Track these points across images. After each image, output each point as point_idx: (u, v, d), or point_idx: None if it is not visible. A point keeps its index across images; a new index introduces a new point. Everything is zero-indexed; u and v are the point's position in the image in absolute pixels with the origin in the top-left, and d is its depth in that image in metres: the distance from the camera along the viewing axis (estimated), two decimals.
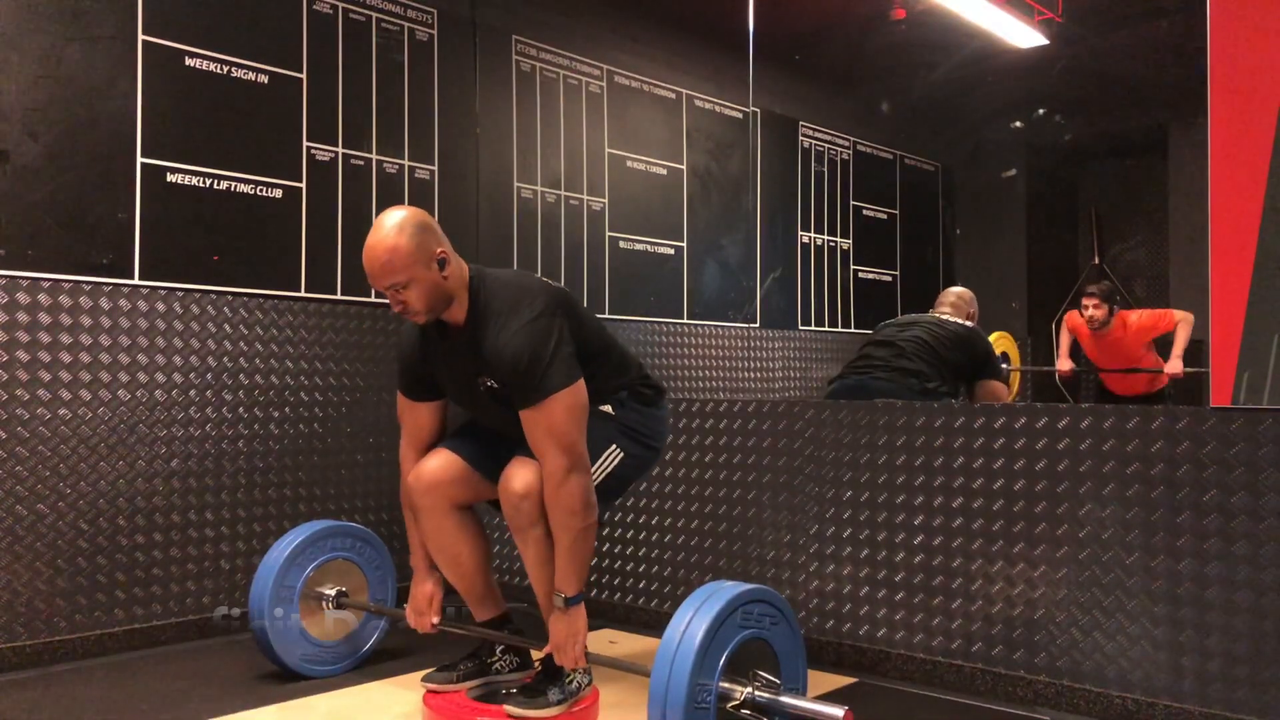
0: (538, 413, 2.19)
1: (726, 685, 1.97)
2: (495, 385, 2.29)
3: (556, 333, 2.23)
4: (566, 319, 2.27)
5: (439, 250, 2.23)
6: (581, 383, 2.24)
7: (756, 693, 1.99)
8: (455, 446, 2.45)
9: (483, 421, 2.49)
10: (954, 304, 3.73)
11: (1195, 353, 4.78)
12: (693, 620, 1.95)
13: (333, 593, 2.81)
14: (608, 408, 2.39)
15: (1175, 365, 4.81)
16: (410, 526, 2.51)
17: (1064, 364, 5.31)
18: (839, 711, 1.92)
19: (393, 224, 2.20)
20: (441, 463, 2.42)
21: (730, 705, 1.98)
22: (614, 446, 2.38)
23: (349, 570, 2.88)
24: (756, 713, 2.00)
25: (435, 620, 2.51)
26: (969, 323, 3.63)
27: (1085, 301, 5.00)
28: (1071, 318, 5.25)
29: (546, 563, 2.30)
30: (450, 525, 2.44)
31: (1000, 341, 5.26)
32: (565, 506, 2.19)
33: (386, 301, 3.67)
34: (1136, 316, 5.05)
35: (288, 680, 2.76)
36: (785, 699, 2.00)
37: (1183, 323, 4.87)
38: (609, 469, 2.36)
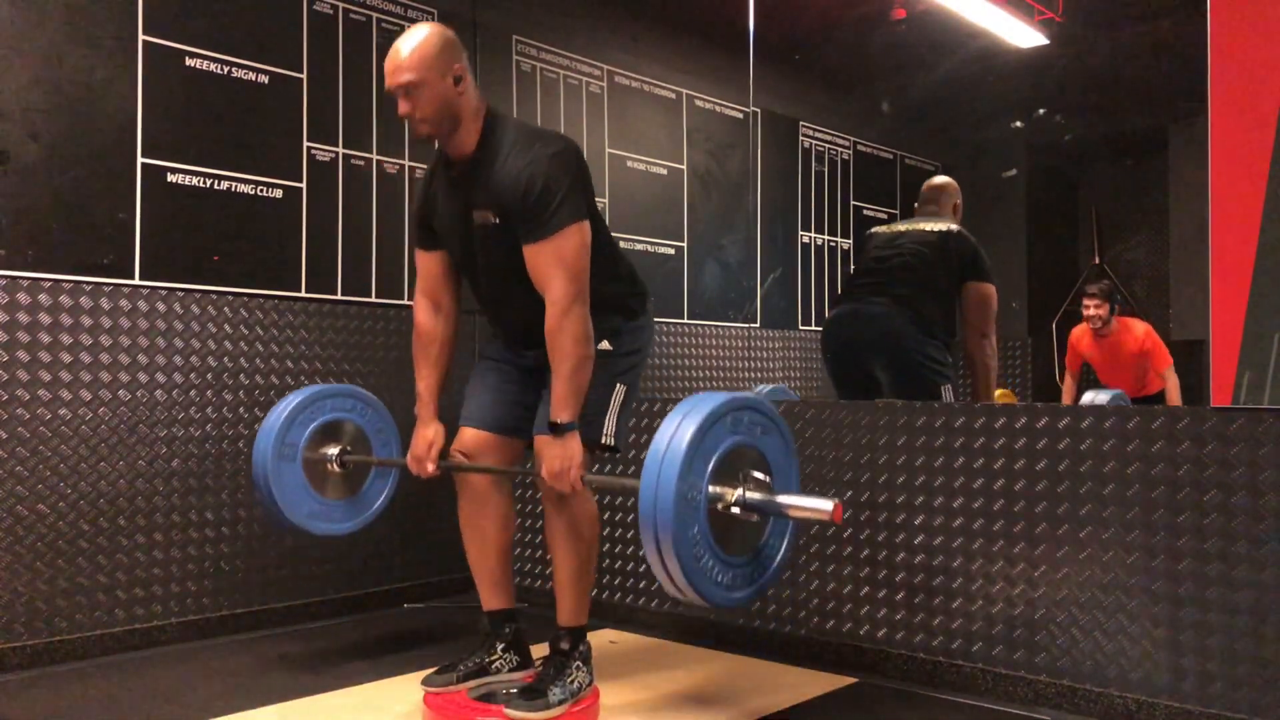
0: (548, 244, 2.24)
1: (717, 484, 1.98)
2: (494, 221, 2.31)
3: (573, 172, 2.28)
4: (583, 172, 2.33)
5: (458, 66, 2.30)
6: (589, 224, 2.30)
7: (747, 493, 2.00)
8: (480, 420, 2.50)
9: (470, 274, 2.50)
10: (937, 200, 3.69)
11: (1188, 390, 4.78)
12: (681, 423, 1.96)
13: (335, 451, 2.83)
14: (605, 344, 2.41)
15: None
16: (419, 372, 2.54)
17: (1069, 400, 5.28)
18: (828, 504, 1.95)
19: (421, 30, 2.31)
20: (474, 437, 2.49)
21: (721, 504, 1.99)
22: (618, 385, 2.41)
23: (351, 430, 2.89)
24: (748, 510, 2.01)
25: (432, 466, 2.51)
26: (953, 225, 3.55)
27: (1086, 302, 4.99)
28: (1074, 335, 5.21)
29: (575, 535, 2.39)
30: (490, 506, 2.51)
31: (1001, 398, 5.22)
32: (570, 334, 2.23)
33: (386, 301, 3.70)
34: (1143, 330, 5.02)
35: (288, 680, 2.76)
36: (777, 497, 2.02)
37: (1172, 384, 4.84)
38: (617, 408, 2.40)
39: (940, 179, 3.81)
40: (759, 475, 2.05)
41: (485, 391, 2.54)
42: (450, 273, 2.53)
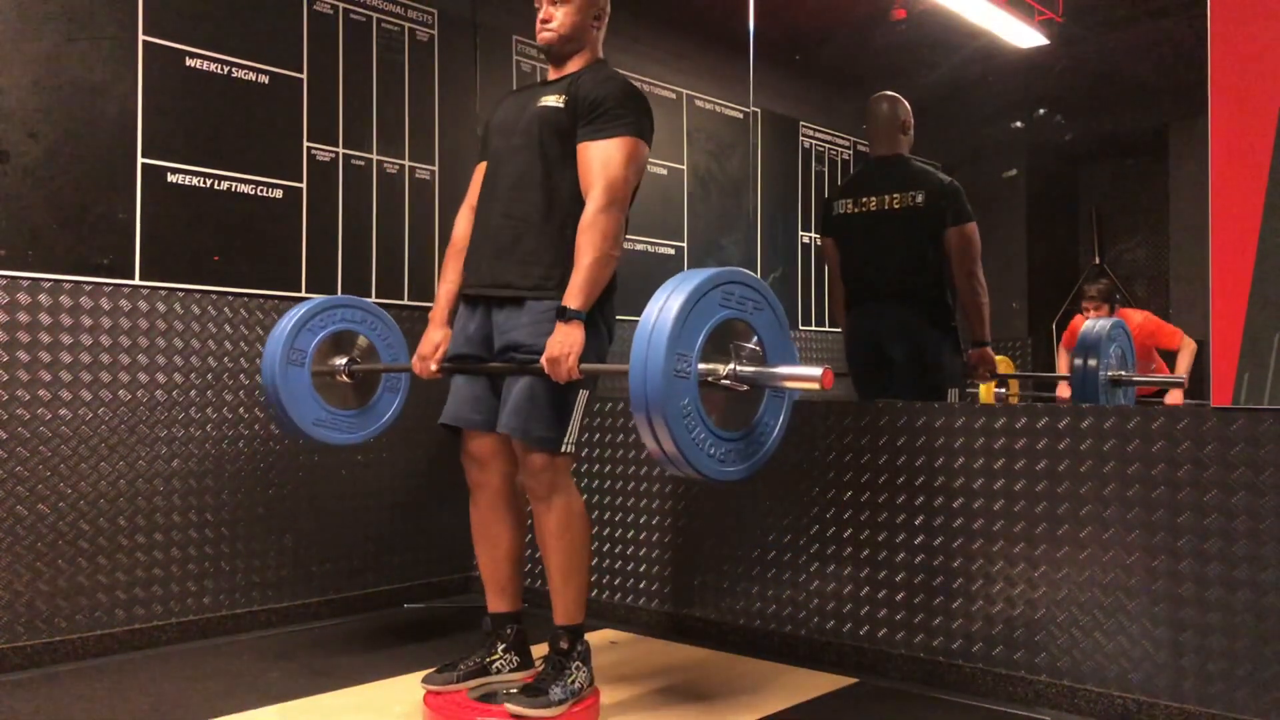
0: (607, 144, 2.35)
1: (708, 359, 1.99)
2: (560, 104, 2.39)
3: (648, 111, 2.42)
4: (651, 124, 2.44)
5: (605, 6, 2.51)
6: (646, 149, 2.41)
7: (738, 367, 2.01)
8: (481, 423, 2.49)
9: (491, 170, 2.53)
10: (888, 126, 3.62)
11: (1196, 379, 4.76)
12: (670, 296, 1.96)
13: (344, 361, 2.85)
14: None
15: (1176, 397, 4.80)
16: (444, 276, 2.60)
17: (1064, 391, 5.29)
18: (817, 370, 1.98)
19: None
20: (485, 444, 2.50)
21: (712, 376, 2.00)
22: (580, 390, 2.41)
23: (360, 342, 2.92)
24: (739, 381, 2.02)
25: (435, 367, 2.55)
26: (918, 190, 3.45)
27: (1085, 303, 5.00)
28: (1074, 323, 5.22)
29: (564, 533, 2.40)
30: (503, 509, 2.54)
31: (1001, 365, 5.23)
32: (601, 229, 2.30)
33: (386, 301, 3.70)
34: (1141, 318, 5.03)
35: (288, 680, 2.76)
36: (769, 368, 2.03)
37: (1186, 349, 4.84)
38: (581, 414, 2.42)
39: (882, 97, 3.70)
40: (751, 346, 2.04)
41: (462, 396, 2.53)
42: None
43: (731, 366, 2.01)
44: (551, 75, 2.54)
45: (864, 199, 3.59)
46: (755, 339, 2.09)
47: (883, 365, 3.49)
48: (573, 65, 2.49)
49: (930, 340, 3.42)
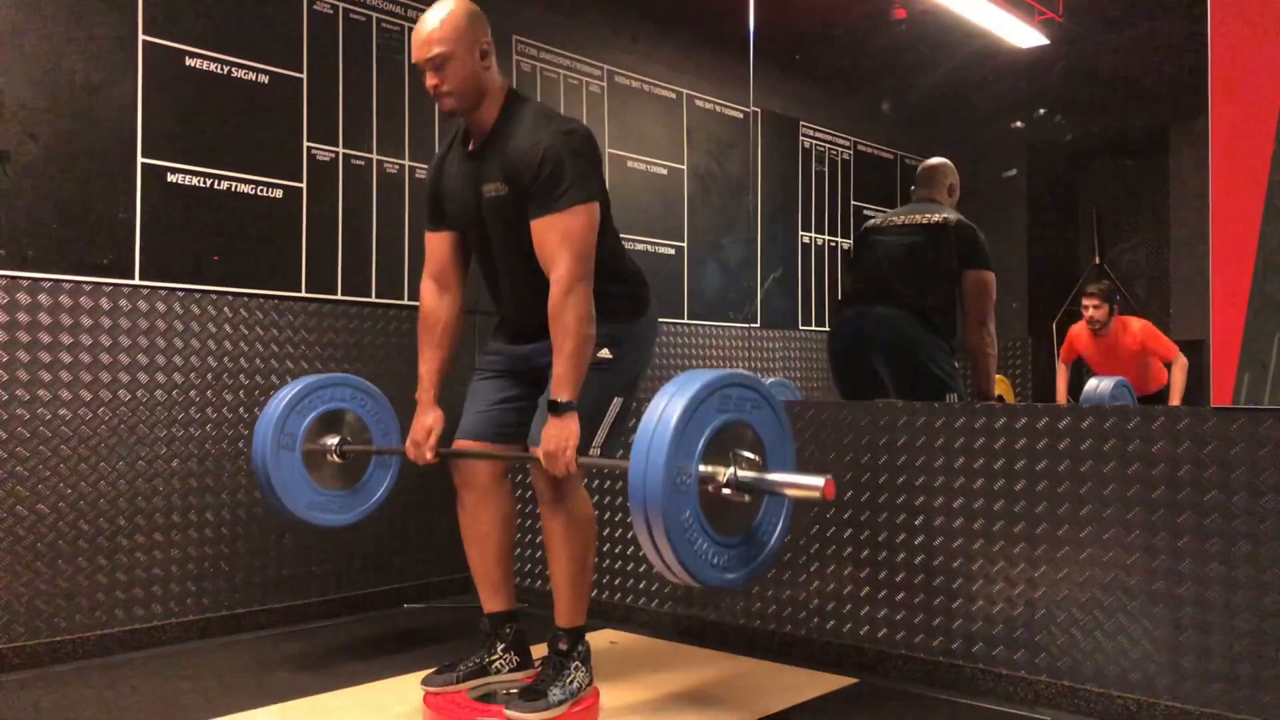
0: (556, 220, 2.24)
1: (708, 465, 1.95)
2: (503, 191, 2.31)
3: (586, 154, 2.29)
4: (595, 153, 2.34)
5: (486, 41, 2.31)
6: (598, 206, 2.30)
7: (739, 472, 1.98)
8: (478, 431, 2.50)
9: (479, 248, 2.50)
10: (930, 183, 3.67)
11: (1195, 381, 4.77)
12: (669, 403, 1.93)
13: (335, 441, 2.82)
14: (605, 351, 2.40)
15: (1176, 399, 4.80)
16: (422, 355, 2.53)
17: (1062, 385, 5.28)
18: (819, 480, 1.94)
19: (450, 3, 2.30)
20: (470, 447, 2.49)
21: (712, 486, 1.97)
22: (615, 399, 2.40)
23: (351, 421, 2.89)
24: (740, 490, 1.99)
25: (431, 454, 2.51)
26: (949, 214, 3.53)
27: (1085, 303, 4.99)
28: (1073, 332, 5.21)
29: (571, 537, 2.40)
30: (490, 506, 2.51)
31: (998, 384, 5.23)
32: (573, 312, 2.22)
33: (387, 301, 3.70)
34: (1139, 326, 5.03)
35: (288, 680, 2.76)
36: (769, 475, 2.00)
37: (1179, 367, 4.84)
38: (612, 421, 2.39)
39: (935, 160, 3.79)
40: (749, 455, 2.02)
41: (479, 403, 2.53)
42: (458, 255, 2.53)
43: (731, 471, 1.98)
44: (473, 134, 2.38)
45: (890, 218, 3.68)
46: (755, 439, 2.06)
47: (865, 360, 3.49)
48: (488, 114, 2.34)
49: (924, 339, 3.41)
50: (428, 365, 2.51)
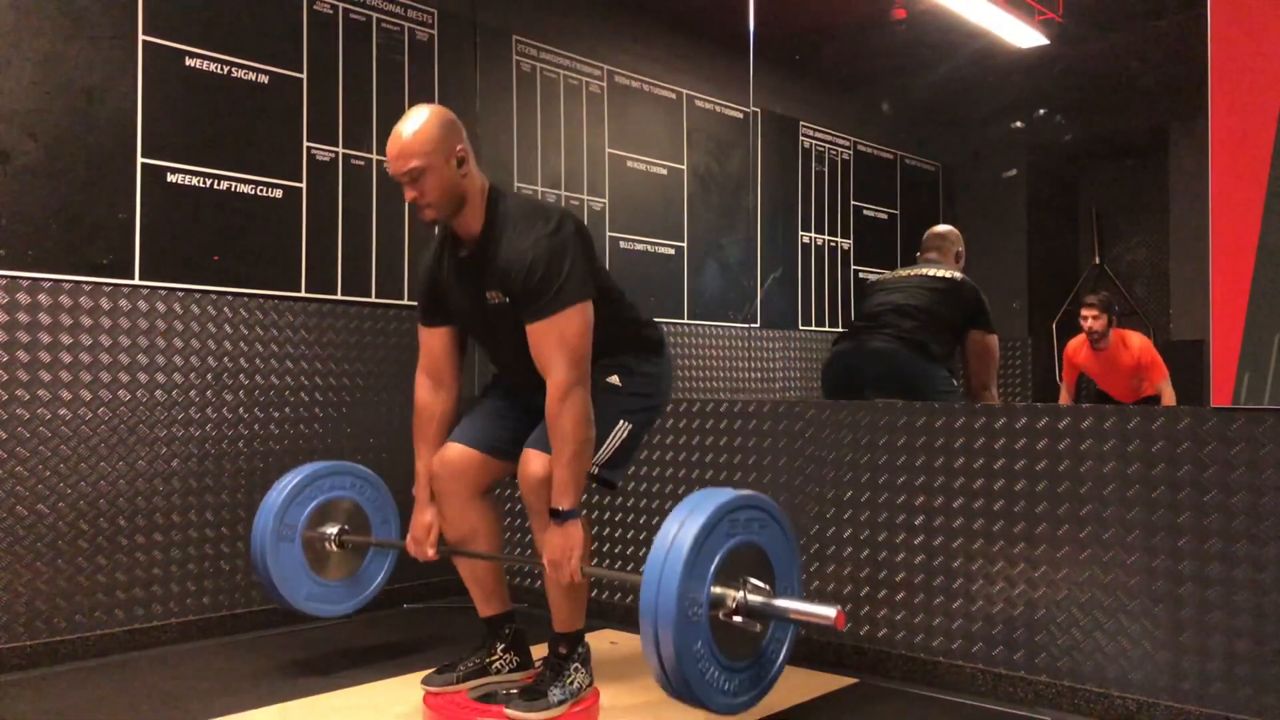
0: (550, 324, 2.22)
1: (718, 591, 1.95)
2: (505, 300, 2.30)
3: (573, 249, 2.26)
4: (583, 242, 2.30)
5: (460, 148, 2.27)
6: (591, 304, 2.27)
7: (749, 597, 1.98)
8: (470, 438, 2.47)
9: (489, 346, 2.50)
10: (940, 248, 3.71)
11: (1189, 390, 4.78)
12: (679, 533, 1.93)
13: (334, 531, 2.81)
14: (614, 378, 2.40)
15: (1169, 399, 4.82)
16: (418, 451, 2.51)
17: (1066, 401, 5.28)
18: (831, 611, 1.93)
19: (420, 114, 2.26)
20: (458, 455, 2.45)
21: (722, 614, 1.97)
22: (622, 422, 2.39)
23: (351, 509, 2.87)
24: (749, 618, 1.99)
25: (432, 552, 2.51)
26: (956, 273, 3.59)
27: (1085, 313, 5.00)
28: (1070, 348, 5.21)
29: None
30: (473, 516, 2.48)
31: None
32: (570, 419, 2.20)
33: (387, 301, 3.70)
34: (1139, 344, 5.02)
35: (288, 681, 2.76)
36: (777, 601, 2.00)
37: (1167, 396, 4.86)
38: (618, 444, 2.38)
39: (943, 227, 3.85)
40: (757, 582, 2.01)
41: (481, 415, 2.51)
42: (454, 349, 2.51)
43: (741, 596, 1.98)
44: (462, 236, 2.35)
45: (900, 272, 3.73)
46: (761, 559, 2.07)
47: (861, 388, 3.50)
48: (473, 220, 2.31)
49: (923, 370, 3.42)
50: (424, 463, 2.49)
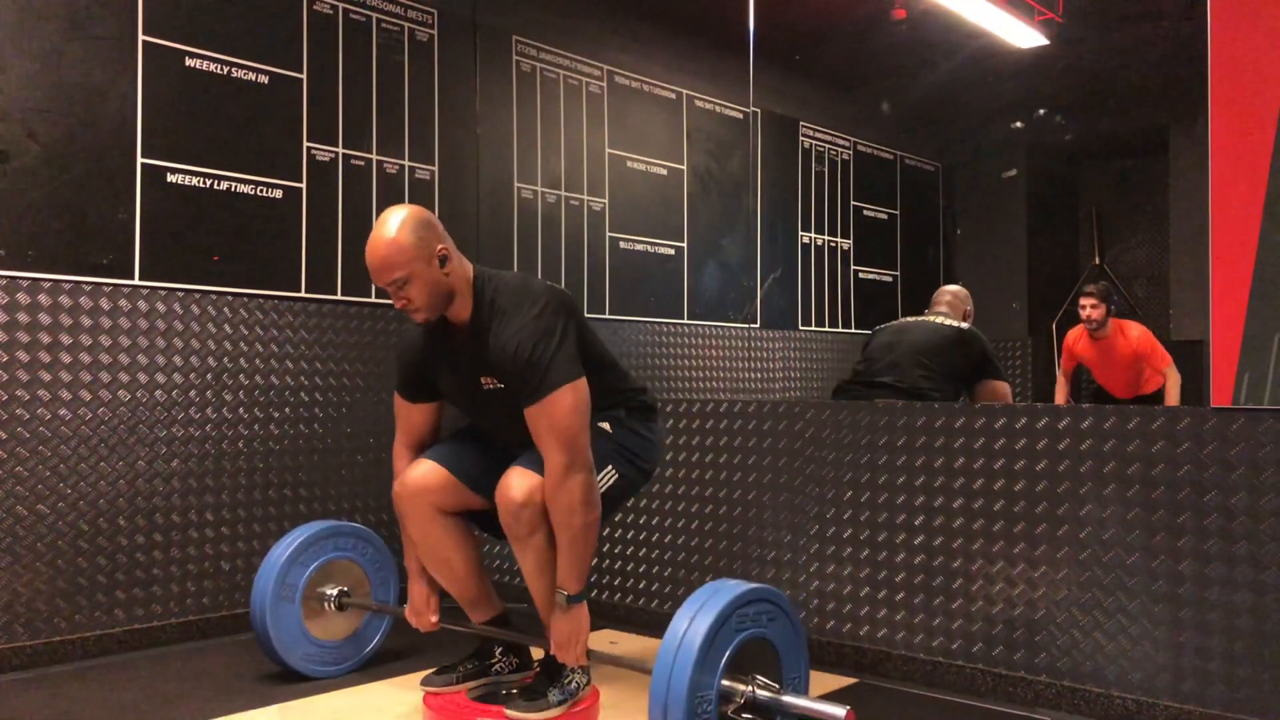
0: (541, 409, 2.20)
1: (727, 685, 1.96)
2: (499, 385, 2.29)
3: (560, 330, 2.23)
4: (570, 319, 2.27)
5: (440, 248, 2.24)
6: (584, 380, 2.24)
7: (757, 692, 1.99)
8: (443, 458, 2.44)
9: (484, 426, 2.49)
10: (949, 304, 3.72)
11: (1188, 390, 4.77)
12: (690, 626, 1.95)
13: (334, 592, 2.81)
14: (606, 425, 2.38)
15: (1173, 398, 4.80)
16: (403, 526, 2.50)
17: (1061, 398, 5.28)
18: (840, 711, 1.93)
19: (394, 221, 2.22)
20: (426, 471, 2.41)
21: (731, 709, 1.97)
22: (610, 467, 2.36)
23: (351, 570, 2.88)
24: (757, 715, 1.99)
25: (434, 619, 2.52)
26: (964, 324, 3.61)
27: (1083, 302, 4.99)
28: (1070, 338, 5.21)
29: (545, 570, 2.29)
30: (437, 530, 2.43)
31: None
32: (567, 504, 2.18)
33: (387, 301, 3.70)
34: (1138, 333, 5.02)
35: (288, 681, 2.76)
36: (786, 698, 2.00)
37: (1173, 380, 4.84)
38: (604, 489, 2.33)
39: (953, 287, 3.85)
40: (764, 679, 2.01)
41: (464, 440, 2.49)
42: (436, 422, 2.51)
43: (749, 692, 1.98)
44: (453, 323, 2.34)
45: (907, 319, 3.72)
46: (769, 652, 2.07)
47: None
48: (462, 310, 2.31)
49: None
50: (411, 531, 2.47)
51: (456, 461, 2.43)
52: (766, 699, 1.99)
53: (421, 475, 2.41)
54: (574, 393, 2.21)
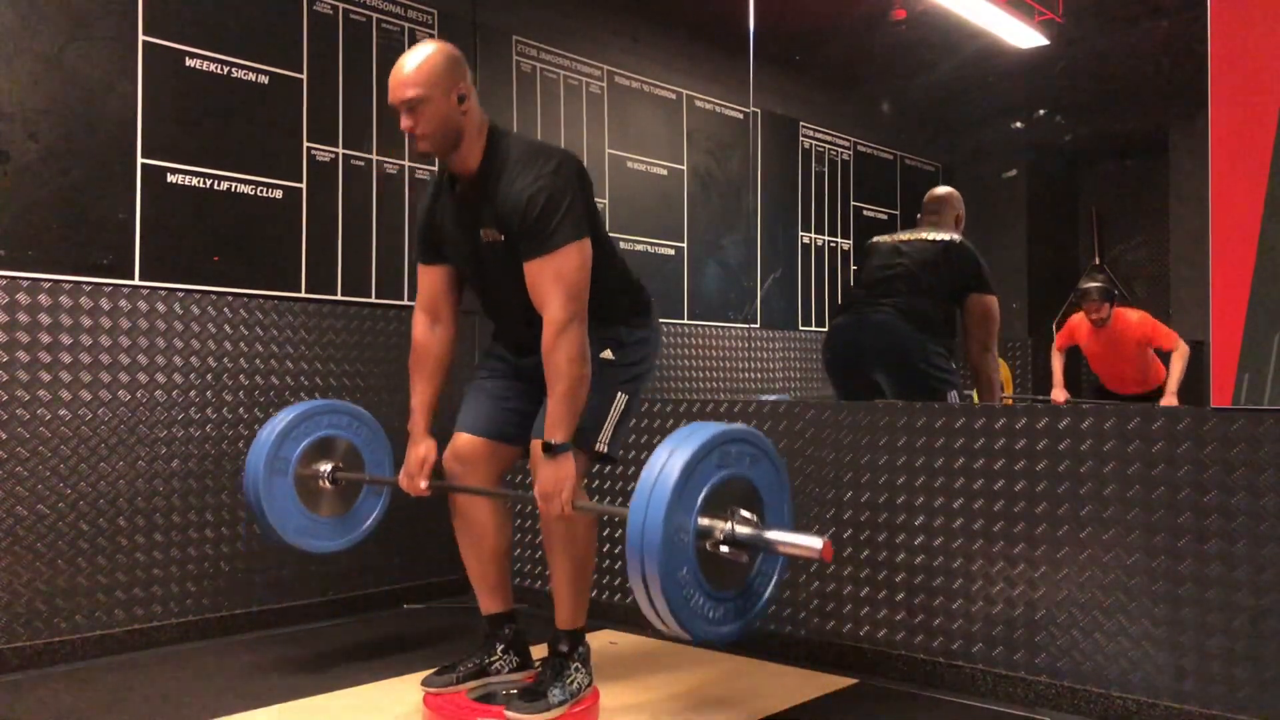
0: (547, 261, 2.23)
1: (705, 522, 1.97)
2: (499, 238, 2.31)
3: (573, 190, 2.27)
4: (583, 186, 2.31)
5: (462, 85, 2.29)
6: (589, 242, 2.28)
7: (737, 528, 1.99)
8: (474, 425, 2.49)
9: (480, 288, 2.50)
10: (939, 211, 3.68)
11: (1189, 387, 4.77)
12: (668, 461, 1.94)
13: (328, 468, 2.82)
14: (608, 353, 2.40)
15: (1170, 400, 4.80)
16: (414, 387, 2.53)
17: (1059, 394, 5.28)
18: (817, 542, 1.94)
19: (427, 47, 2.30)
20: (468, 444, 2.48)
21: (709, 543, 1.98)
22: (619, 394, 2.40)
23: (346, 449, 2.88)
24: (737, 548, 2.00)
25: (424, 484, 2.50)
26: (955, 235, 3.55)
27: (1087, 308, 5.01)
28: (1074, 320, 5.21)
29: (568, 543, 2.38)
30: (484, 510, 2.50)
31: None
32: (565, 353, 2.21)
33: (387, 302, 3.70)
34: (1138, 318, 5.03)
35: (288, 681, 2.76)
36: (765, 533, 2.01)
37: (1179, 354, 4.84)
38: (617, 417, 2.39)
39: (942, 189, 3.81)
40: (746, 513, 2.02)
41: (483, 398, 2.53)
42: (451, 288, 2.52)
43: (729, 528, 1.99)
44: (458, 173, 2.36)
45: (899, 235, 3.68)
46: (751, 493, 2.07)
47: (864, 370, 3.49)
48: (470, 157, 2.32)
49: (919, 343, 3.41)
50: (419, 398, 2.51)
51: (490, 425, 2.49)
52: (747, 535, 1.99)
53: (467, 450, 2.48)
54: (580, 251, 2.25)
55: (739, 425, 2.08)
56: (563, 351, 2.21)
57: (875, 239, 3.74)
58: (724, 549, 1.99)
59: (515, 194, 2.24)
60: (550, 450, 2.22)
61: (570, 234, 2.23)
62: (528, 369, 2.46)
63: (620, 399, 2.40)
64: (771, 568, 2.13)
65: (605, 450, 2.39)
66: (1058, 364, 5.29)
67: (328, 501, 2.85)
